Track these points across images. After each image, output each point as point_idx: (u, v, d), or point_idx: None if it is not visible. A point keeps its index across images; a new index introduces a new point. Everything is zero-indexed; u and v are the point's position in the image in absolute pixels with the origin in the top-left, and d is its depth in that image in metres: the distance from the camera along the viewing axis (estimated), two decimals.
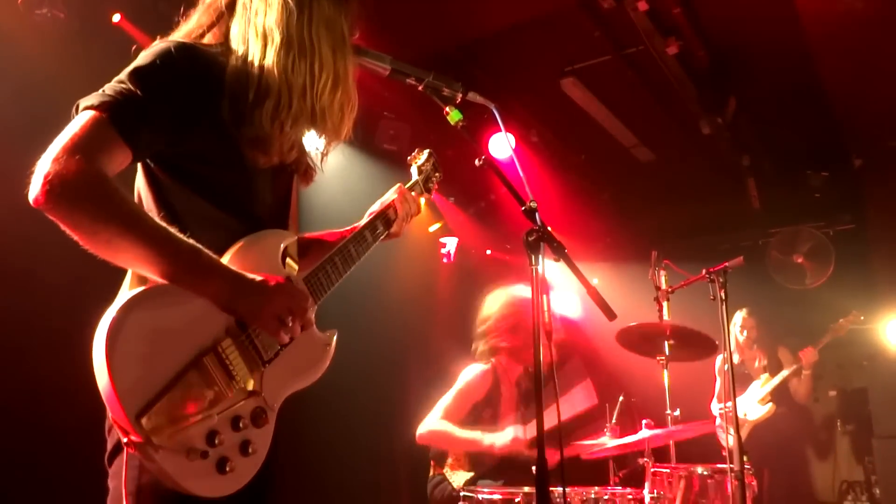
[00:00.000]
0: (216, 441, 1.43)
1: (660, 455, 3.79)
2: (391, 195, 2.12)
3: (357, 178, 5.28)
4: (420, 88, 2.02)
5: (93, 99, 1.47)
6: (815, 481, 6.44)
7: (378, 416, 5.43)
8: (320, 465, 4.86)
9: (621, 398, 4.45)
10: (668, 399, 3.96)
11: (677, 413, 3.98)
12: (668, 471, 3.67)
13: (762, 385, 5.67)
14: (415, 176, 2.29)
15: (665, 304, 4.11)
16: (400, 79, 2.01)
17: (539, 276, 1.88)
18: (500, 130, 2.09)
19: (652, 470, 3.50)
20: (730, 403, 5.38)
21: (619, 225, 7.38)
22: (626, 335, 4.08)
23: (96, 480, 1.59)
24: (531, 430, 3.65)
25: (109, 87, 1.49)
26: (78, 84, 1.61)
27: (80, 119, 1.45)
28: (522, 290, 3.98)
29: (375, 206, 2.10)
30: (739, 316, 5.87)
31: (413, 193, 2.22)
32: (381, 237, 2.03)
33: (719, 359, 5.71)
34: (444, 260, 6.58)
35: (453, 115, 2.02)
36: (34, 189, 1.37)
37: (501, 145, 5.20)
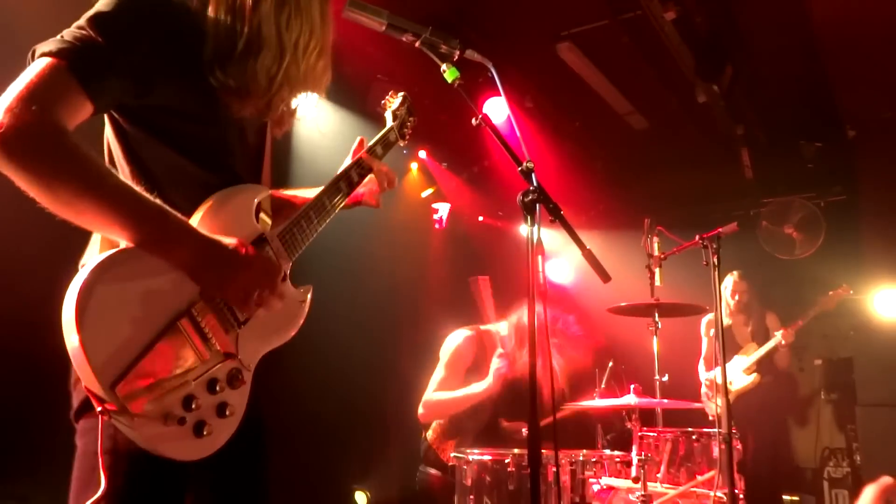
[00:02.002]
0: (193, 406, 1.39)
1: (647, 419, 3.84)
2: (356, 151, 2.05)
3: (349, 142, 5.21)
4: (417, 45, 1.97)
5: (50, 45, 1.35)
6: (797, 447, 6.56)
7: (369, 379, 5.46)
8: (311, 426, 4.90)
9: (611, 364, 4.49)
10: (656, 366, 3.99)
11: (665, 379, 4.02)
12: (654, 434, 3.72)
13: (748, 355, 5.70)
14: (389, 122, 2.19)
15: (657, 270, 4.13)
16: (396, 34, 1.97)
17: (534, 237, 1.87)
18: (496, 93, 2.06)
19: (639, 434, 3.54)
20: (715, 372, 5.49)
21: (612, 192, 7.37)
22: (616, 309, 4.11)
23: (63, 438, 1.52)
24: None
25: (68, 33, 1.38)
26: (39, 27, 1.49)
27: (37, 66, 1.33)
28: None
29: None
30: (730, 279, 5.84)
31: (391, 139, 2.16)
32: (356, 186, 1.99)
33: (705, 321, 5.74)
34: (437, 226, 6.57)
35: (450, 73, 1.98)
36: None
37: (497, 108, 5.15)
